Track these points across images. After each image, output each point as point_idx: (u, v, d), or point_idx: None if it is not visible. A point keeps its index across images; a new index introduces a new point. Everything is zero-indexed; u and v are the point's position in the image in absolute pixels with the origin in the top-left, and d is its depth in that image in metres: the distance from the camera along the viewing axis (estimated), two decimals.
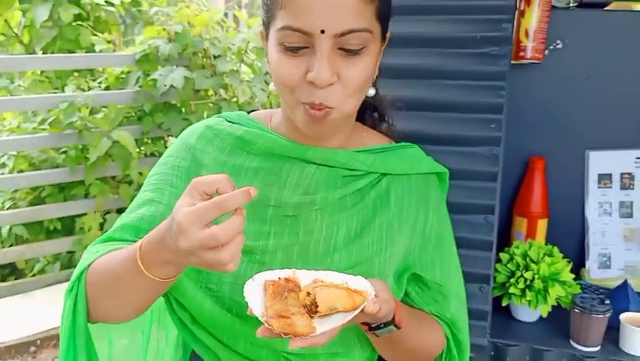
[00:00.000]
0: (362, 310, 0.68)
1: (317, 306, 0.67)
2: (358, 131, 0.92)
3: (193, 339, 0.89)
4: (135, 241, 0.75)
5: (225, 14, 4.14)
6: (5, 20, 3.55)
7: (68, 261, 3.41)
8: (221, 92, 3.53)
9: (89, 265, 0.80)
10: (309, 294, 0.68)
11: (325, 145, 0.86)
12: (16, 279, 3.29)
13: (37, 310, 2.84)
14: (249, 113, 0.94)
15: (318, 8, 0.70)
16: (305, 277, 0.72)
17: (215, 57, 3.43)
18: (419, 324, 0.87)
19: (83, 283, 0.79)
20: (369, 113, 0.97)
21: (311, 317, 0.68)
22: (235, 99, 3.51)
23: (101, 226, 3.33)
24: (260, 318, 0.66)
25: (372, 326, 0.77)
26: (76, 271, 0.80)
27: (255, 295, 0.69)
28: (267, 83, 3.65)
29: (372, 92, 0.84)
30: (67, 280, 2.88)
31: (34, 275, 3.28)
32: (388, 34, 0.83)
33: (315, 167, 0.86)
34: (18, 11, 3.56)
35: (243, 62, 3.65)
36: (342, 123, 0.81)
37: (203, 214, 0.61)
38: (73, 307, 0.79)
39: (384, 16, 0.78)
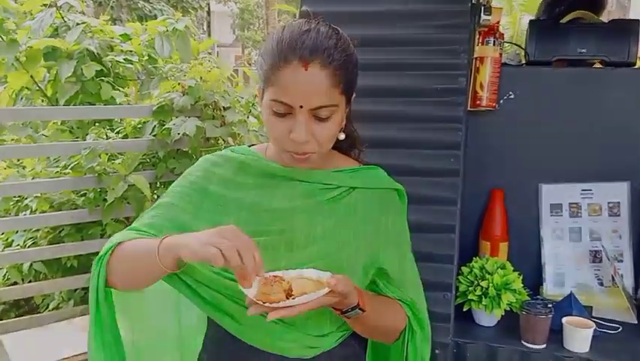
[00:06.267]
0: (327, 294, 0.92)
1: (292, 290, 0.93)
2: (334, 156, 1.18)
3: (202, 302, 1.12)
4: (154, 235, 1.03)
5: (235, 70, 4.49)
6: (31, 76, 3.90)
7: (81, 298, 3.63)
8: (230, 140, 3.81)
9: (118, 243, 1.05)
10: (288, 283, 0.94)
11: (306, 167, 1.12)
12: (29, 314, 3.51)
13: (55, 341, 3.02)
14: (249, 146, 1.21)
15: (299, 90, 0.96)
16: (291, 274, 0.97)
17: (224, 109, 3.69)
18: (383, 306, 1.10)
19: (108, 254, 1.04)
20: (345, 144, 1.23)
21: (288, 298, 0.93)
22: None
23: None
24: (251, 298, 0.91)
25: (343, 310, 1.01)
26: (107, 244, 1.05)
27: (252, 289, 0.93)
28: None
29: (342, 136, 1.10)
30: (83, 314, 3.07)
31: (49, 311, 3.50)
32: (353, 96, 1.09)
33: (298, 183, 1.12)
34: (42, 68, 3.92)
35: (250, 114, 3.96)
36: (319, 158, 1.07)
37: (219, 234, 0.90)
38: (98, 271, 1.04)
39: (348, 91, 1.04)
